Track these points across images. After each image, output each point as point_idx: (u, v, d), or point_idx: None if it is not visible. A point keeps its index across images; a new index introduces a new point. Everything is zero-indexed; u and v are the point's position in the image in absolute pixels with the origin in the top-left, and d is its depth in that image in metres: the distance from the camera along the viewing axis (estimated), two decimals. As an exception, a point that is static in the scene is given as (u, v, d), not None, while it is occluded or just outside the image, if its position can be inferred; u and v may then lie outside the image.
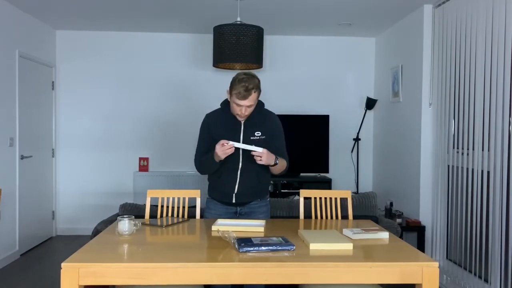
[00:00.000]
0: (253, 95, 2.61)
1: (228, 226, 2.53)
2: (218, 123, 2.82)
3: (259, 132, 2.78)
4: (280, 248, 2.11)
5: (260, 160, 2.61)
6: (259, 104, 2.82)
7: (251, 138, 2.76)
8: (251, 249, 2.07)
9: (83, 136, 6.03)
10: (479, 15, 3.67)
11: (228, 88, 2.70)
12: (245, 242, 2.14)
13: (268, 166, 2.77)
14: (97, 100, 6.03)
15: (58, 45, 5.98)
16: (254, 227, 2.53)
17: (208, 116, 2.89)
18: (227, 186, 2.83)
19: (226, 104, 2.83)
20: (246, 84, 2.58)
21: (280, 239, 2.22)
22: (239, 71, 3.23)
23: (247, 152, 2.68)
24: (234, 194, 2.83)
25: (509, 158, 3.28)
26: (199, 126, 2.91)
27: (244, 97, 2.59)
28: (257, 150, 2.59)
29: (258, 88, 2.64)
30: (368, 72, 6.24)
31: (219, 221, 2.66)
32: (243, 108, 2.64)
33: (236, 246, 2.10)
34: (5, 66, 4.68)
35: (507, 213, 3.28)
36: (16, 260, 4.81)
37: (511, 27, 3.25)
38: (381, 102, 5.88)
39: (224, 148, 2.59)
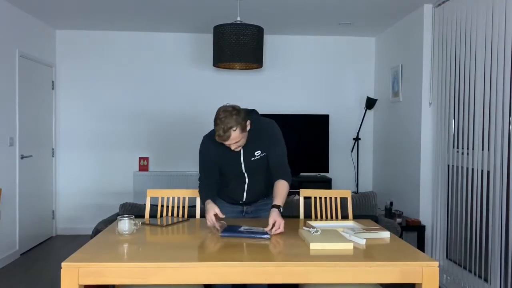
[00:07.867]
0: (234, 134, 2.41)
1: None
2: (217, 147, 2.65)
3: (259, 151, 2.65)
4: (254, 236, 2.33)
5: (279, 229, 2.42)
6: (253, 121, 2.62)
7: (252, 159, 2.67)
8: (229, 234, 2.36)
9: (83, 136, 6.03)
10: (479, 15, 3.67)
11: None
12: (230, 228, 2.43)
13: (271, 172, 2.71)
14: (97, 100, 6.03)
15: (58, 45, 5.98)
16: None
17: (207, 138, 2.73)
18: (235, 195, 2.83)
19: None
20: (222, 125, 2.38)
21: (262, 229, 2.42)
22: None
23: (250, 168, 2.68)
24: (241, 200, 2.86)
25: (509, 158, 3.28)
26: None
27: (224, 140, 2.43)
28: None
29: (238, 124, 2.40)
30: (368, 72, 6.24)
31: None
32: (232, 145, 2.50)
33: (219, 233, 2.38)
34: (5, 66, 4.68)
35: (507, 213, 3.28)
36: (16, 260, 4.81)
37: (511, 27, 3.25)
38: (381, 101, 5.88)
39: (211, 220, 2.48)
